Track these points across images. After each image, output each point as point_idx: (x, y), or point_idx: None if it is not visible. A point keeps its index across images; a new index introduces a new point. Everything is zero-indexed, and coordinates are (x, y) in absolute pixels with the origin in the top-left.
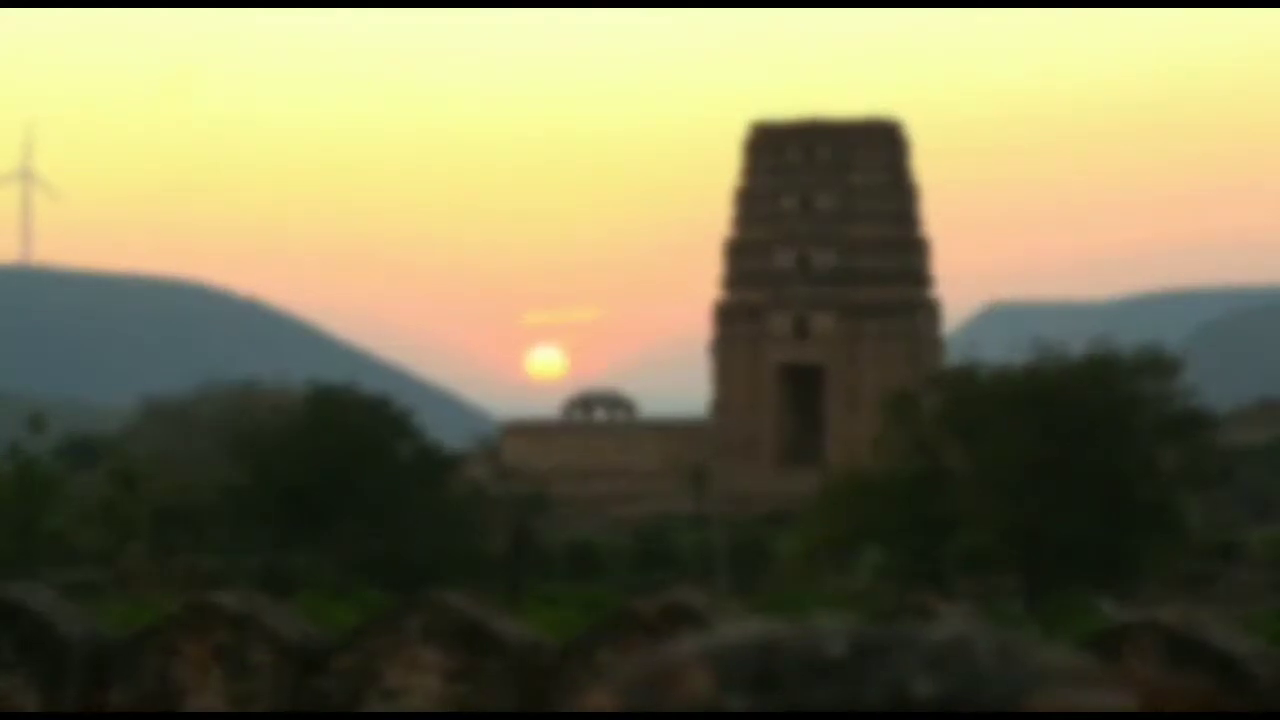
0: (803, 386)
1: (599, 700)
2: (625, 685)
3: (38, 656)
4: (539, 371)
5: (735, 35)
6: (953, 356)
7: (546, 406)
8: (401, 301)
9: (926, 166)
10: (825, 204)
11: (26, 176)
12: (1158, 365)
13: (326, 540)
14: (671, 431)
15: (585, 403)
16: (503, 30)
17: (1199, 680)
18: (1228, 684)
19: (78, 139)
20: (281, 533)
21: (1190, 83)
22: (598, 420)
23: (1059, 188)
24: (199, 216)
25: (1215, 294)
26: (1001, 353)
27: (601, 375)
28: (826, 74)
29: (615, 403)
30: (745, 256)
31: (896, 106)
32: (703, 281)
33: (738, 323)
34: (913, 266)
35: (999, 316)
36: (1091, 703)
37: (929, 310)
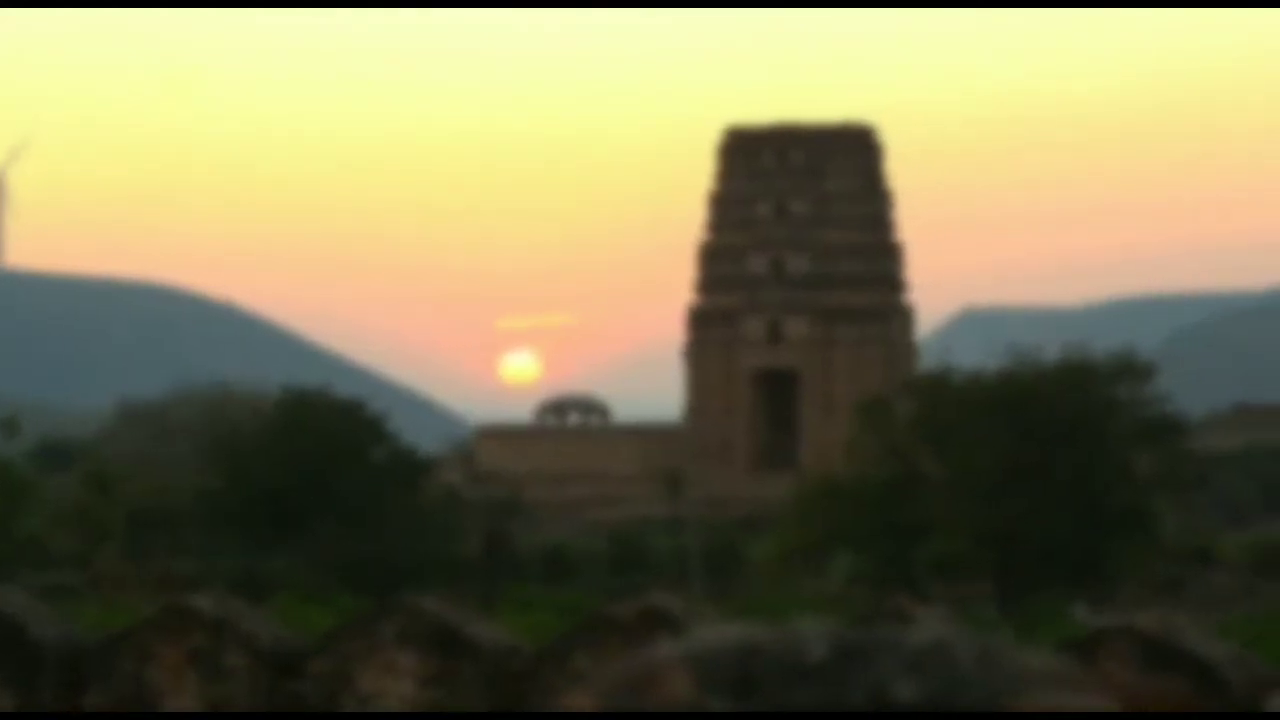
0: (777, 391)
1: (580, 702)
2: (606, 688)
3: (12, 659)
4: (513, 376)
5: (710, 39)
6: (927, 362)
7: (520, 411)
8: (376, 305)
9: (901, 171)
10: (799, 209)
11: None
12: (1132, 370)
13: (301, 544)
14: (646, 436)
15: (559, 407)
16: (474, 35)
17: (1177, 684)
18: (1203, 689)
19: (52, 142)
20: (256, 536)
21: (1167, 88)
22: (572, 424)
23: (1034, 193)
24: (175, 220)
25: (1190, 300)
26: (976, 358)
27: (575, 379)
28: (801, 78)
29: (589, 407)
30: (719, 261)
31: (871, 111)
32: (677, 286)
33: (712, 327)
34: (887, 272)
35: (974, 322)
36: (1071, 705)
37: (903, 315)
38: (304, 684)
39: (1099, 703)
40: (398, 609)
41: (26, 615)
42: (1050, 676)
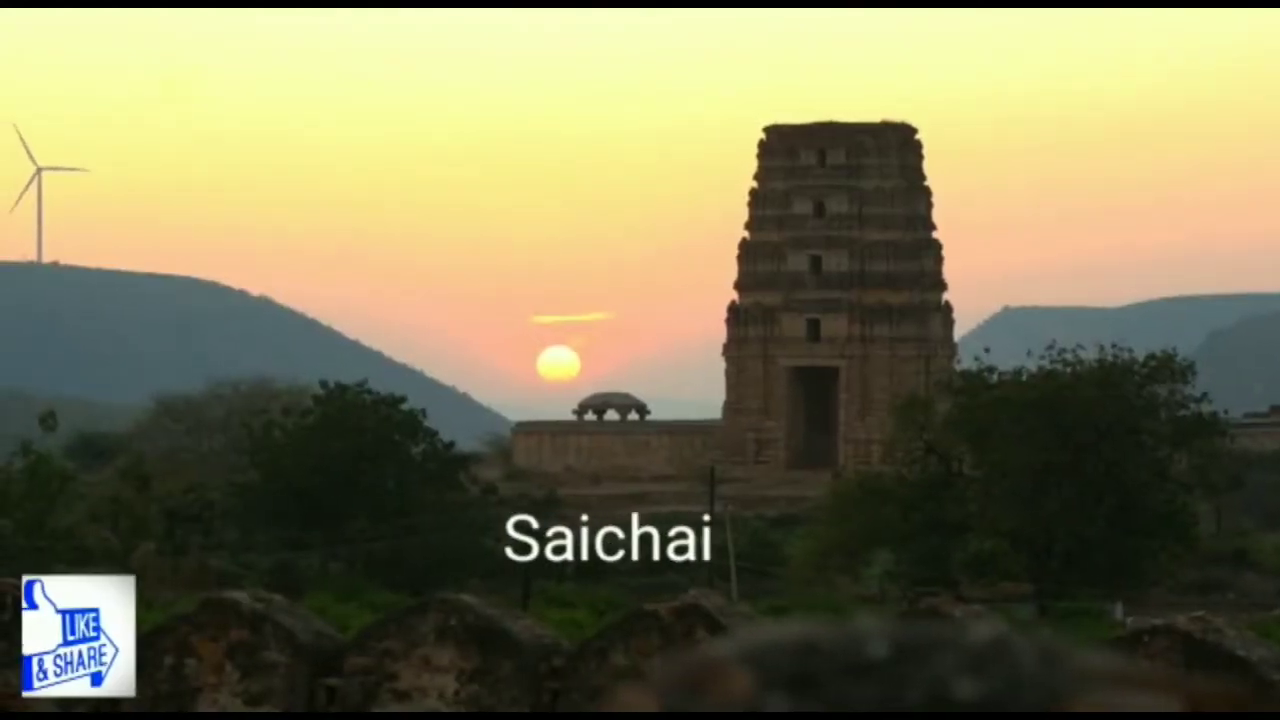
0: (815, 389)
1: (638, 700)
2: (664, 685)
3: None
4: (551, 372)
5: (748, 37)
6: (965, 360)
7: (559, 408)
8: (414, 302)
9: (940, 170)
10: (838, 207)
11: (39, 172)
12: (1170, 370)
13: (337, 540)
14: (683, 433)
15: (597, 404)
16: (513, 30)
17: (1235, 684)
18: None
19: (89, 136)
20: (292, 532)
21: (1205, 88)
22: (609, 421)
23: (1073, 192)
24: (212, 215)
25: (1228, 300)
26: (1015, 357)
27: (613, 376)
28: (840, 77)
29: (627, 404)
30: (758, 259)
31: (910, 109)
32: (716, 284)
33: (750, 325)
34: (926, 270)
35: (1012, 321)
36: (1133, 705)
37: (942, 314)
38: (343, 679)
39: (1162, 702)
40: (436, 605)
41: None
42: (1113, 675)
